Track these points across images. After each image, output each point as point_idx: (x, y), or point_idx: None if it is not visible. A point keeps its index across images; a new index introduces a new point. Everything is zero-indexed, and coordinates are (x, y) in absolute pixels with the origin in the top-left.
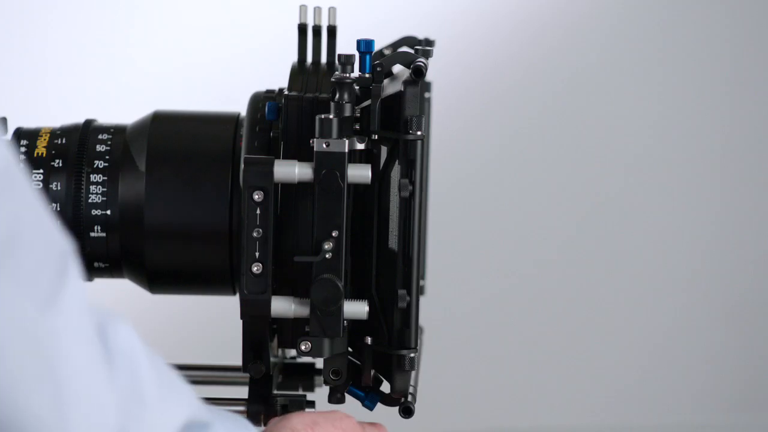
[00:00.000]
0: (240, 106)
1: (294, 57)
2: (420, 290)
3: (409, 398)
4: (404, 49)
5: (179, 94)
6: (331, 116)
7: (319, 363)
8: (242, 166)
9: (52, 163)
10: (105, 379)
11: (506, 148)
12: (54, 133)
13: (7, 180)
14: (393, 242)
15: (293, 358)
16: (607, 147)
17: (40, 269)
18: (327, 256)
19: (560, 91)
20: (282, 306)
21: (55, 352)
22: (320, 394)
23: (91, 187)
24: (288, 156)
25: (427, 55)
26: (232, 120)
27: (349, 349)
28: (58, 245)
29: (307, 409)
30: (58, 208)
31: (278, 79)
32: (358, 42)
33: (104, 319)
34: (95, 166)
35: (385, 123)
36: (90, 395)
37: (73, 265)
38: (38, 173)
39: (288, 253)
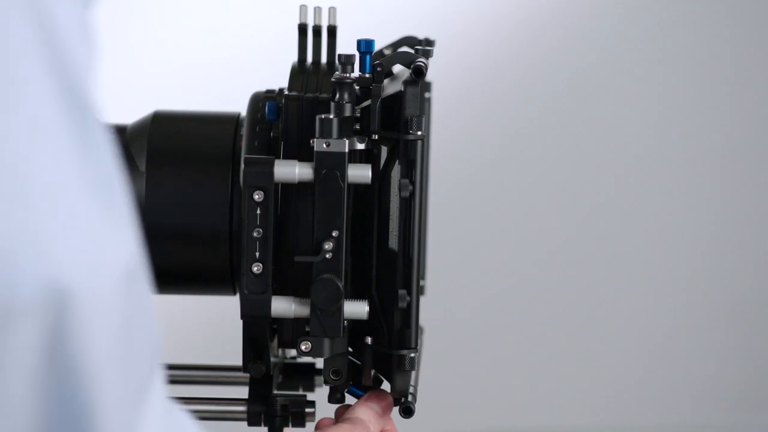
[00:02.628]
0: (240, 106)
1: (294, 57)
2: (420, 290)
3: (409, 398)
4: (404, 49)
5: (179, 94)
6: (331, 116)
7: (320, 363)
8: (242, 166)
9: None
10: None
11: (506, 148)
12: None
13: (132, 279)
14: (393, 242)
15: (293, 358)
16: (607, 147)
17: (141, 364)
18: (327, 256)
19: (560, 91)
20: (282, 306)
21: None
22: (320, 394)
23: None
24: (288, 156)
25: (427, 55)
26: (232, 120)
27: (350, 349)
28: (155, 342)
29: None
30: None
31: (278, 79)
32: (358, 42)
33: (169, 407)
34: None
35: (385, 123)
36: None
37: (159, 361)
38: None
39: (288, 253)
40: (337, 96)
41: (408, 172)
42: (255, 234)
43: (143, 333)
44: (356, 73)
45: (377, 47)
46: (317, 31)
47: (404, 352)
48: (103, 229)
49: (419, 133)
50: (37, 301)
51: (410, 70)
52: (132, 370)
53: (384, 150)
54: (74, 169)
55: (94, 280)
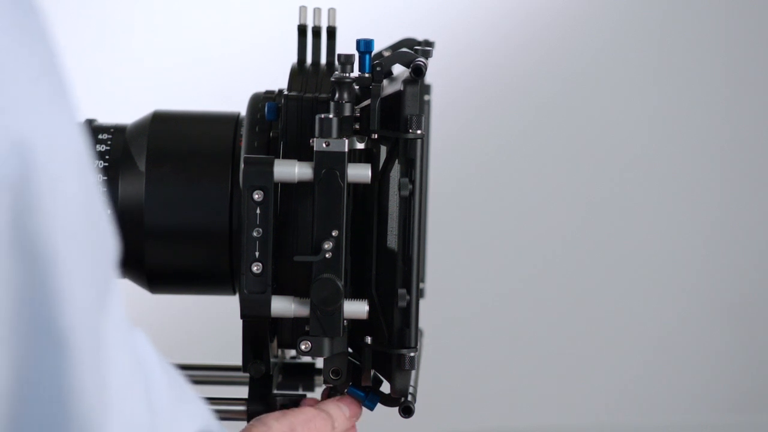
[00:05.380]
0: (240, 106)
1: (294, 58)
2: (420, 293)
3: (409, 398)
4: (403, 50)
5: (179, 94)
6: (330, 116)
7: (319, 363)
8: (242, 165)
9: None
10: (140, 383)
11: (506, 148)
12: None
13: (86, 166)
14: (392, 241)
15: (293, 358)
16: (607, 147)
17: (99, 266)
18: (327, 255)
19: (560, 90)
20: (282, 306)
21: (104, 351)
22: (320, 394)
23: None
24: (287, 156)
25: (427, 55)
26: (232, 120)
27: (349, 349)
28: (111, 241)
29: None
30: None
31: (278, 80)
32: (358, 42)
33: (129, 323)
34: (95, 165)
35: (384, 122)
36: (126, 401)
37: (116, 264)
38: None
39: (288, 252)
40: (337, 95)
41: (407, 171)
42: (255, 234)
43: (101, 233)
44: (356, 73)
45: (376, 48)
46: (317, 32)
47: (404, 351)
48: (53, 110)
49: (419, 132)
50: (4, 174)
51: (410, 70)
52: (93, 267)
53: (383, 149)
54: (17, 51)
55: (52, 154)
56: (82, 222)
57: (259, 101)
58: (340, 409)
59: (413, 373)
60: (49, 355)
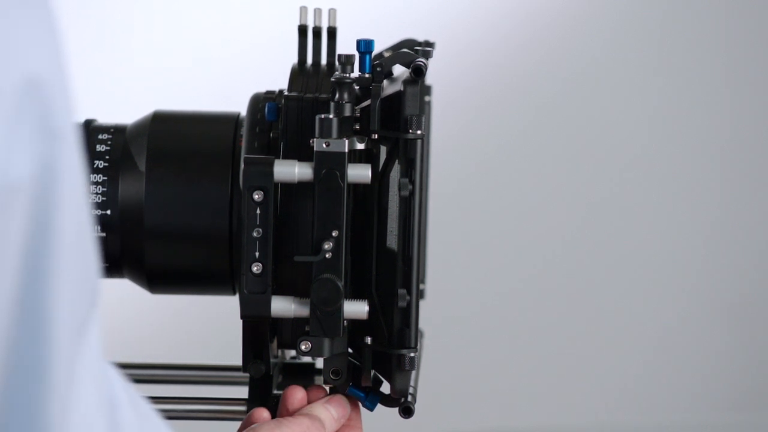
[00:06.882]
0: (240, 107)
1: (294, 58)
2: (420, 294)
3: (409, 398)
4: (404, 50)
5: (179, 94)
6: (330, 116)
7: (319, 363)
8: (242, 166)
9: None
10: (104, 419)
11: (506, 148)
12: None
13: (72, 187)
14: (393, 242)
15: (293, 358)
16: (607, 147)
17: (83, 293)
18: (327, 255)
19: (560, 90)
20: (282, 306)
21: (75, 379)
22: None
23: (90, 187)
24: (288, 157)
25: (427, 55)
26: (232, 120)
27: (349, 349)
28: (96, 268)
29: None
30: None
31: (278, 80)
32: (358, 42)
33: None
34: (95, 166)
35: (385, 122)
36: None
37: (100, 292)
38: None
39: (288, 252)
40: (337, 96)
41: (407, 171)
42: (255, 234)
43: (89, 251)
44: (356, 73)
45: (377, 48)
46: (317, 32)
47: (404, 351)
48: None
49: (419, 132)
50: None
51: (410, 70)
52: (75, 300)
53: (383, 150)
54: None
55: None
56: (80, 223)
57: (259, 101)
58: (328, 412)
59: (413, 373)
60: (27, 358)
